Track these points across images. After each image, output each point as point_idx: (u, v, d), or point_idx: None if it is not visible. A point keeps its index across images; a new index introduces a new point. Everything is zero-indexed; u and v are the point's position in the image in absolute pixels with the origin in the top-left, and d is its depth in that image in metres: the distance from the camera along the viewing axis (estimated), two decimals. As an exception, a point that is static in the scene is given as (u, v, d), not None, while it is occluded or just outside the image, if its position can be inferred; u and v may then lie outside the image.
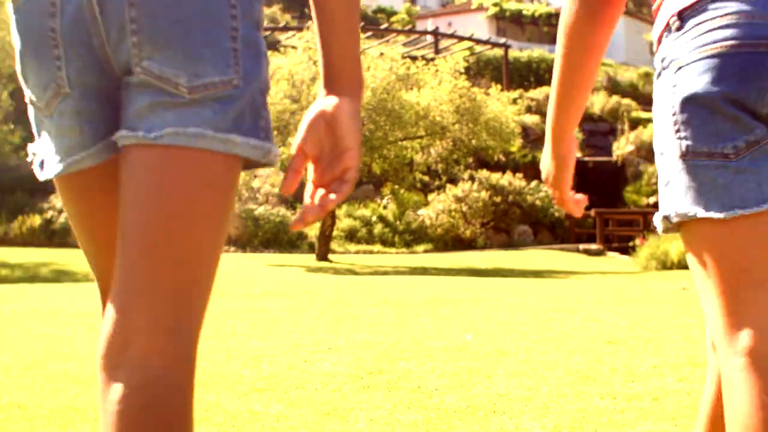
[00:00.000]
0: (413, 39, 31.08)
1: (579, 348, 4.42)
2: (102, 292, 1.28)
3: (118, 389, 1.06)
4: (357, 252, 18.34)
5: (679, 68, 1.21)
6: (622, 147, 25.42)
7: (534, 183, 22.72)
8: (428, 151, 17.04)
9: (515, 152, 23.93)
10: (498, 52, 30.77)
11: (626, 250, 19.13)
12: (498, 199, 21.00)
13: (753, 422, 1.13)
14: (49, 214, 17.41)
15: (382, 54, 16.66)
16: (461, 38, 28.90)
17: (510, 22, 42.33)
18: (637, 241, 17.30)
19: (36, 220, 17.21)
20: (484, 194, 20.48)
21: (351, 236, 19.06)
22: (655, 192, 23.86)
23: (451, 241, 19.78)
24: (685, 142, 1.19)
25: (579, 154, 25.64)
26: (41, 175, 1.23)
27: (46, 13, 1.08)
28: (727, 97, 1.16)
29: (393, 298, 7.74)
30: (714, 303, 1.22)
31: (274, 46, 21.68)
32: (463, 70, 16.93)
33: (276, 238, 17.22)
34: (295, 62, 16.18)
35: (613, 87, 32.62)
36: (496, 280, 12.10)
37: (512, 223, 21.39)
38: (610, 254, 19.68)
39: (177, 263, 1.06)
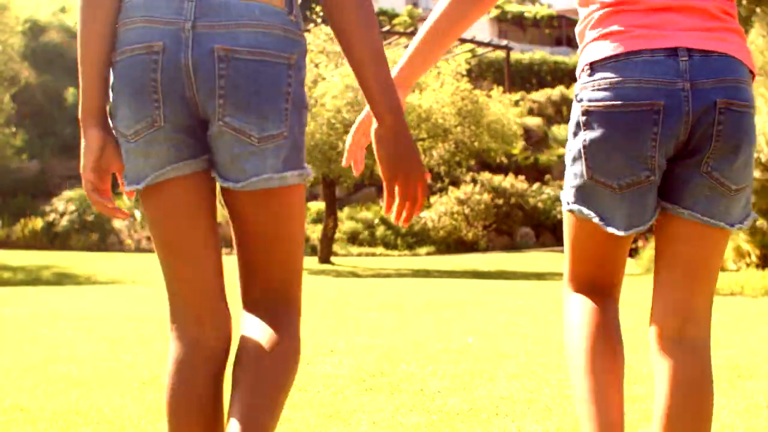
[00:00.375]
0: (415, 41, 31.06)
1: (581, 350, 4.42)
2: (175, 296, 1.56)
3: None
4: (359, 254, 18.35)
5: (583, 112, 1.54)
6: (624, 149, 25.39)
7: (536, 185, 22.72)
8: (430, 154, 17.03)
9: (517, 154, 23.92)
10: (500, 54, 30.77)
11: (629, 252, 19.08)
12: (500, 202, 20.99)
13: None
14: (51, 217, 17.42)
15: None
16: (463, 40, 28.89)
17: (512, 24, 42.34)
18: (640, 243, 17.28)
19: (38, 223, 17.22)
20: (486, 196, 20.48)
21: (353, 239, 19.07)
22: (657, 194, 23.82)
23: (453, 244, 19.78)
24: (590, 171, 1.55)
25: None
26: (129, 187, 1.56)
27: (149, 68, 1.46)
28: (617, 145, 1.50)
29: (395, 300, 7.73)
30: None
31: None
32: (465, 73, 16.92)
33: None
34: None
35: (615, 89, 32.58)
36: (498, 282, 12.09)
37: (514, 226, 21.38)
38: (612, 256, 19.64)
39: (287, 255, 1.57)
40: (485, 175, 21.82)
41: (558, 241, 21.60)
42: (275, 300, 1.58)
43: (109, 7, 1.50)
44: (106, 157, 1.57)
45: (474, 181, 21.22)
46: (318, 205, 18.99)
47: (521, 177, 22.32)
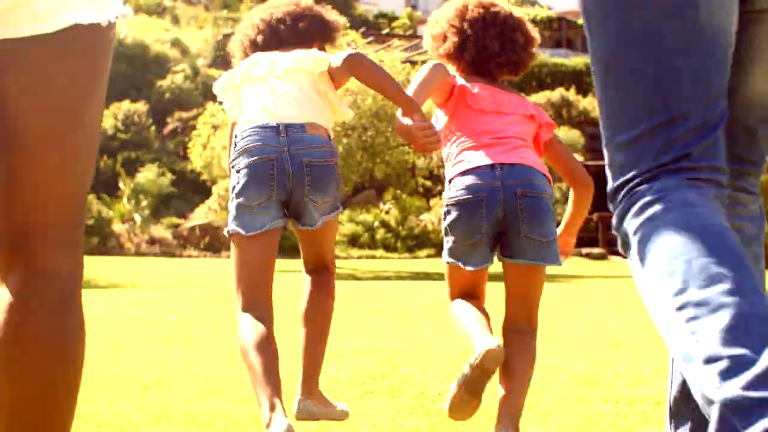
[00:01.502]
0: (415, 44, 31.11)
1: (582, 352, 4.42)
2: (248, 302, 2.54)
3: None
4: (359, 257, 18.35)
5: (446, 205, 2.60)
6: (624, 151, 25.39)
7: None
8: (430, 156, 17.04)
9: (517, 157, 23.96)
10: (499, 56, 30.74)
11: (629, 254, 19.07)
12: (500, 204, 21.01)
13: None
14: (52, 220, 17.44)
15: (381, 61, 16.68)
16: (462, 43, 28.89)
17: (511, 27, 42.30)
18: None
19: (38, 227, 17.25)
20: (486, 199, 20.48)
21: (353, 241, 19.08)
22: (657, 196, 23.85)
23: (453, 246, 19.75)
24: (453, 239, 2.57)
25: (581, 158, 25.66)
26: (240, 231, 2.53)
27: (268, 168, 2.48)
28: (464, 221, 2.54)
29: (395, 303, 7.74)
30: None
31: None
32: (464, 75, 16.94)
33: (279, 244, 17.26)
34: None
35: (615, 91, 32.59)
36: (498, 284, 12.09)
37: (514, 228, 21.39)
38: (613, 258, 19.65)
39: (330, 245, 2.81)
40: (485, 178, 21.82)
41: (558, 243, 21.58)
42: (320, 269, 2.78)
43: None
44: None
45: (474, 183, 21.23)
46: (318, 208, 19.00)
47: (521, 179, 22.33)
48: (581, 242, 21.39)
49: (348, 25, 16.99)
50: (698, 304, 1.18)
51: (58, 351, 1.24)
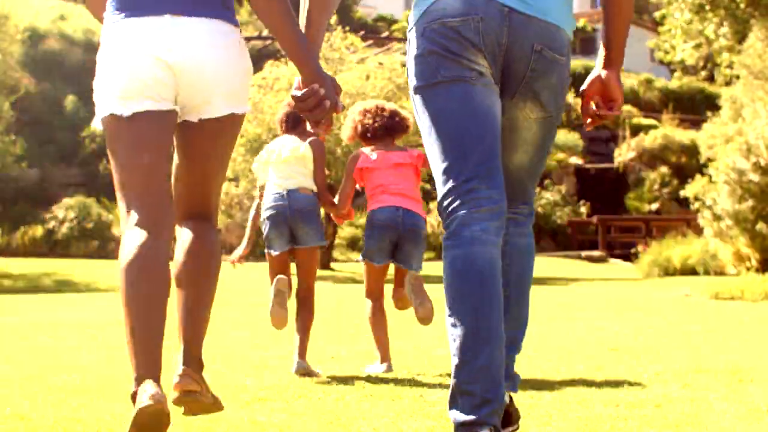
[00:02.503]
0: (414, 47, 31.09)
1: (582, 355, 4.42)
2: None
3: None
4: (359, 260, 18.36)
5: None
6: (624, 153, 25.39)
7: (536, 190, 22.70)
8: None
9: (517, 159, 23.94)
10: (498, 59, 30.76)
11: (628, 256, 19.09)
12: (500, 207, 20.99)
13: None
14: (51, 224, 17.42)
15: (381, 64, 16.69)
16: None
17: (510, 30, 42.37)
18: (640, 248, 17.29)
19: (38, 231, 17.22)
20: (486, 202, 20.47)
21: (353, 244, 19.05)
22: (657, 198, 23.85)
23: (453, 249, 19.73)
24: (367, 248, 4.17)
25: (580, 161, 25.66)
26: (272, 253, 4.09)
27: (279, 217, 4.14)
28: (381, 239, 4.15)
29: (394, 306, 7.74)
30: None
31: (275, 55, 21.71)
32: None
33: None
34: (295, 72, 16.20)
35: (614, 94, 32.56)
36: (498, 287, 12.06)
37: (514, 231, 21.37)
38: (613, 261, 19.65)
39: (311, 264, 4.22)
40: (485, 181, 21.81)
41: (558, 246, 21.59)
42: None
43: None
44: None
45: (473, 186, 21.21)
46: (318, 211, 18.99)
47: (521, 182, 22.32)
48: (580, 245, 21.39)
49: (347, 28, 16.98)
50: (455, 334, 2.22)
51: (214, 267, 2.46)
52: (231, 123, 2.39)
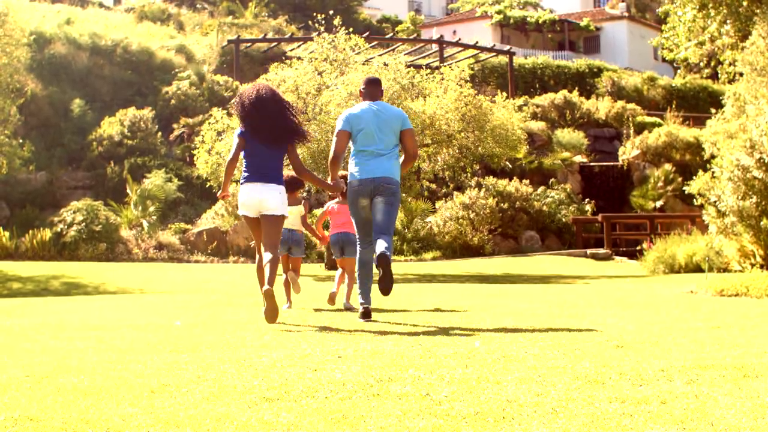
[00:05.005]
0: (418, 48, 31.13)
1: (587, 352, 4.44)
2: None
3: None
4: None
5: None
6: (628, 151, 25.37)
7: (541, 189, 22.69)
8: (435, 159, 17.06)
9: (522, 159, 23.93)
10: (503, 59, 30.78)
11: (633, 254, 19.07)
12: (505, 206, 20.99)
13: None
14: (59, 227, 17.47)
15: (386, 65, 16.70)
16: (466, 46, 28.94)
17: (514, 30, 42.36)
18: (645, 245, 17.28)
19: (46, 234, 17.28)
20: (491, 201, 20.48)
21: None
22: (661, 195, 23.81)
23: (459, 248, 19.78)
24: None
25: (585, 159, 25.63)
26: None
27: (284, 243, 7.89)
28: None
29: (401, 305, 7.76)
30: None
31: (280, 57, 21.73)
32: (468, 78, 16.94)
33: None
34: (300, 74, 16.24)
35: (618, 92, 32.55)
36: (504, 286, 12.10)
37: (519, 230, 21.38)
38: (618, 258, 19.63)
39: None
40: (490, 180, 21.81)
41: (563, 245, 21.58)
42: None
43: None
44: None
45: (479, 185, 21.22)
46: (324, 212, 19.01)
47: (526, 181, 22.31)
48: (585, 243, 21.37)
49: (351, 29, 17.06)
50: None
51: (273, 263, 6.35)
52: (276, 217, 6.45)
